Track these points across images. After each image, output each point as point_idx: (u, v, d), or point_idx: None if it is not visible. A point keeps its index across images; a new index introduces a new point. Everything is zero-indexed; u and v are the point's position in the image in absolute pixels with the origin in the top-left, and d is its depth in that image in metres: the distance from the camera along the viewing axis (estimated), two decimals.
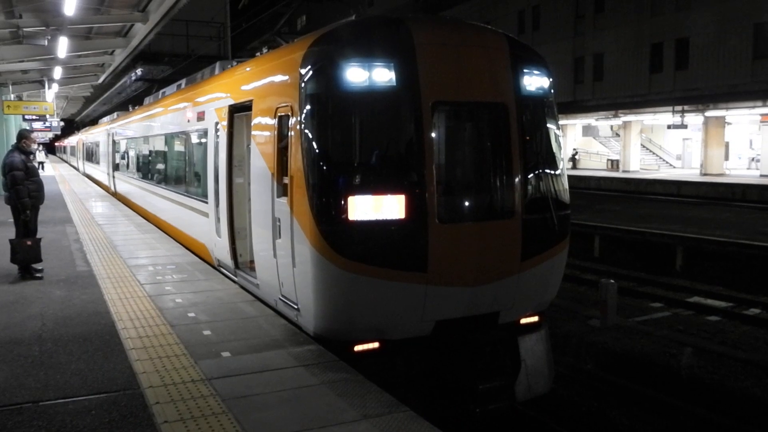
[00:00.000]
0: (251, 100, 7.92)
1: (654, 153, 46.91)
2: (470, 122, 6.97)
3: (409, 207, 6.14)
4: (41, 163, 42.98)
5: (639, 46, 40.36)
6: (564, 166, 7.47)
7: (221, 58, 18.08)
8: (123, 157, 21.92)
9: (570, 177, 8.17)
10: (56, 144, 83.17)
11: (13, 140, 10.56)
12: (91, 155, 34.64)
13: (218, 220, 9.47)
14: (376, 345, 6.43)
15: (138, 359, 5.95)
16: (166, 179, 14.28)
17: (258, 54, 10.30)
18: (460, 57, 6.55)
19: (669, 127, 39.43)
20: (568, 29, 45.63)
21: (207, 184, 10.10)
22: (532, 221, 6.80)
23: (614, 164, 44.62)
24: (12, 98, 31.45)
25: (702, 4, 36.04)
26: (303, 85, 6.38)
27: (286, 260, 6.69)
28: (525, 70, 6.94)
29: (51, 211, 17.37)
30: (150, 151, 16.60)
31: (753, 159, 40.00)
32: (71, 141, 60.41)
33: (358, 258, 6.01)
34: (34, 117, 33.10)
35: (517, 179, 6.71)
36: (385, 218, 6.09)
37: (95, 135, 32.43)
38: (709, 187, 30.49)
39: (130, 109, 26.08)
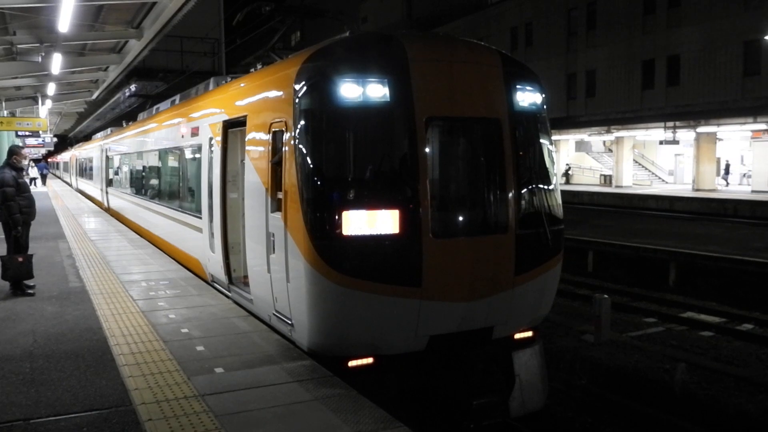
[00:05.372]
0: (245, 116, 7.93)
1: (646, 168, 47.16)
2: (464, 138, 7.00)
3: (403, 222, 6.15)
4: (34, 178, 42.79)
5: (631, 63, 40.75)
6: (557, 182, 7.51)
7: (215, 74, 18.16)
8: (117, 173, 21.88)
9: (563, 192, 8.21)
10: (49, 159, 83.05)
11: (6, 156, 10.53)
12: (84, 171, 34.55)
13: (212, 235, 9.45)
14: (370, 360, 6.41)
15: (130, 375, 5.91)
16: (159, 195, 14.27)
17: (252, 70, 10.35)
18: (454, 73, 6.59)
19: (661, 142, 39.72)
20: (560, 46, 46.04)
21: (201, 199, 10.09)
22: (525, 236, 6.81)
23: (607, 179, 44.82)
24: (5, 114, 31.45)
25: (693, 22, 36.46)
26: (297, 100, 6.40)
27: (280, 275, 6.68)
28: (518, 86, 6.99)
29: (43, 227, 17.30)
30: (144, 167, 16.58)
31: (744, 175, 40.25)
32: (64, 157, 60.28)
33: (353, 273, 6.00)
34: (27, 133, 33.08)
35: (510, 194, 6.73)
36: (379, 233, 6.10)
37: (88, 151, 32.38)
38: (702, 203, 30.62)
39: (124, 124, 26.08)
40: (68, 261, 12.35)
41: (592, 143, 50.05)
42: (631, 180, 42.62)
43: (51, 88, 28.18)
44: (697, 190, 36.29)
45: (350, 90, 6.17)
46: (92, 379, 5.88)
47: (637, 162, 45.95)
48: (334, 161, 6.47)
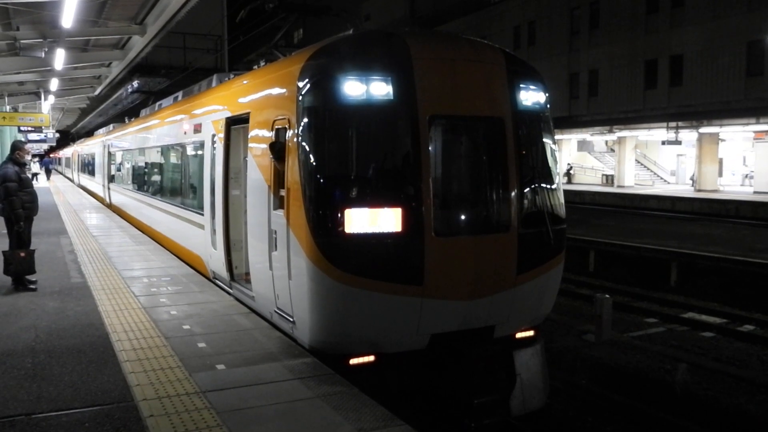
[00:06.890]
0: (248, 113, 7.94)
1: (648, 168, 47.10)
2: (467, 136, 7.00)
3: (406, 220, 6.15)
4: (36, 173, 42.81)
5: (633, 63, 40.67)
6: (560, 181, 7.51)
7: (218, 71, 18.14)
8: (119, 169, 21.89)
9: (565, 192, 8.19)
10: (51, 155, 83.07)
11: (8, 151, 10.56)
12: (86, 167, 34.57)
13: (214, 232, 9.45)
14: (371, 358, 6.42)
15: (132, 371, 5.92)
16: (162, 191, 14.28)
17: (255, 67, 10.36)
18: (457, 71, 6.58)
19: (663, 143, 39.63)
20: (563, 45, 45.96)
21: (203, 196, 10.10)
22: (528, 235, 6.82)
23: (609, 179, 44.78)
24: (8, 109, 31.48)
25: (696, 22, 36.38)
26: (300, 98, 6.40)
27: (281, 272, 6.69)
28: (521, 85, 6.98)
29: (45, 223, 17.32)
30: (146, 163, 16.59)
31: (746, 176, 40.18)
32: (66, 152, 60.28)
33: (354, 271, 6.01)
34: (29, 128, 33.13)
35: (513, 193, 6.73)
36: (381, 231, 6.10)
37: (91, 146, 32.39)
38: (703, 203, 30.59)
39: (126, 121, 26.07)
40: (70, 257, 12.36)
41: (594, 143, 49.99)
42: (633, 180, 42.57)
43: (54, 84, 28.21)
44: (699, 190, 36.26)
45: (353, 88, 6.17)
46: (94, 375, 5.89)
47: (639, 162, 45.90)
48: (337, 159, 6.47)
